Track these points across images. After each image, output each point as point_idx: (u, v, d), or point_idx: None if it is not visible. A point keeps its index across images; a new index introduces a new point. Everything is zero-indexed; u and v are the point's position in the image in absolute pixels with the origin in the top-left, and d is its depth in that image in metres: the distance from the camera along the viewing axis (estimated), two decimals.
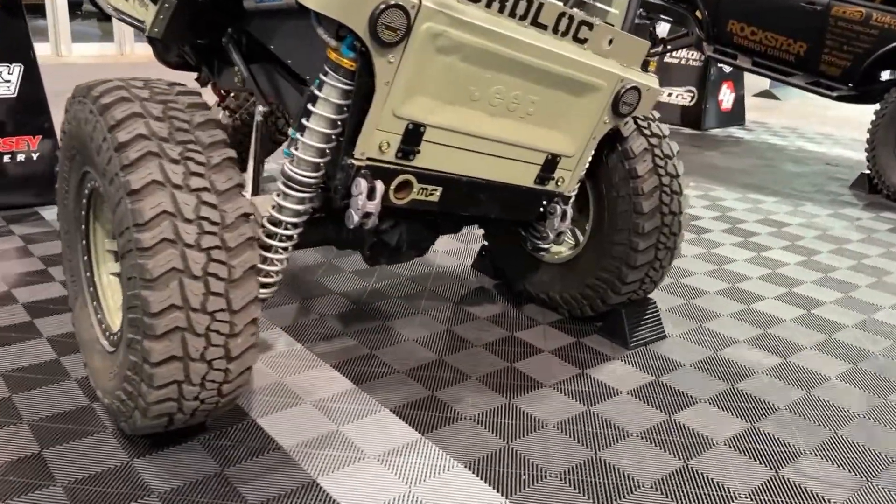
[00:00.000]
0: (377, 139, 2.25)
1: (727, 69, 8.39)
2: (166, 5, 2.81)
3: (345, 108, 2.22)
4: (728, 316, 3.60)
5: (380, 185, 2.29)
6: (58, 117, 3.34)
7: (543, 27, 2.44)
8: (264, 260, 2.42)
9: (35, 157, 4.50)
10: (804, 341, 3.38)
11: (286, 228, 2.39)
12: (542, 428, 2.57)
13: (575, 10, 2.51)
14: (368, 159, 2.27)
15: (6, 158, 4.41)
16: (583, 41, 2.55)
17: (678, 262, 4.25)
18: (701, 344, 3.29)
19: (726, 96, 8.69)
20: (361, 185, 2.26)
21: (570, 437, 2.53)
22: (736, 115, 8.88)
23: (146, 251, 1.91)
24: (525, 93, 2.48)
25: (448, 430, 2.53)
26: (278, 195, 2.35)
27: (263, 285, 2.45)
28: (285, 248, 2.44)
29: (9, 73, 4.37)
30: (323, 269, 3.80)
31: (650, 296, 3.35)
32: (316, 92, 2.23)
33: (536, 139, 2.62)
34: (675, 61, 8.65)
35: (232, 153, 2.11)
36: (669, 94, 8.61)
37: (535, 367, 2.98)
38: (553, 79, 2.50)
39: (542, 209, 2.85)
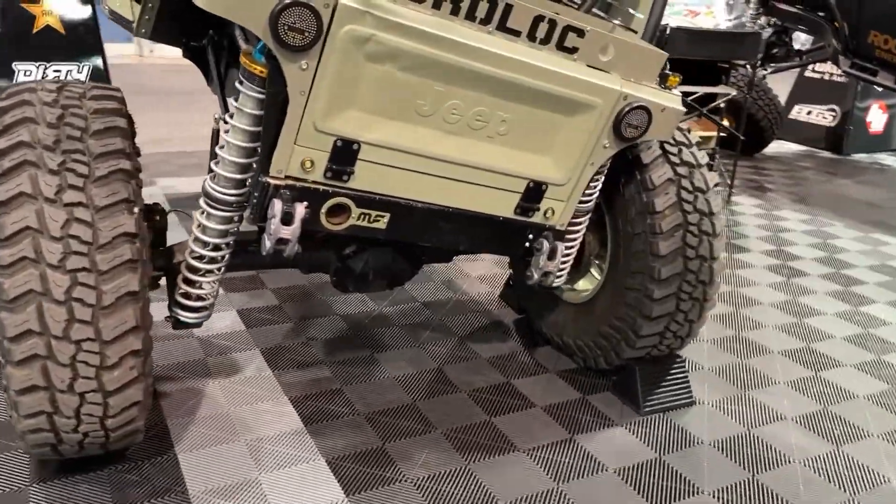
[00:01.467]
0: (298, 156, 1.97)
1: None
2: (150, 5, 2.67)
3: (261, 120, 1.96)
4: (784, 384, 2.99)
5: (300, 209, 2.00)
6: None
7: (515, 33, 2.05)
8: (192, 283, 2.22)
9: None
10: (873, 427, 2.73)
11: (212, 250, 2.17)
12: None
13: (559, 14, 2.09)
14: (288, 178, 1.99)
15: None
16: (571, 50, 2.14)
17: (748, 311, 3.64)
18: (735, 417, 2.73)
19: (876, 117, 7.62)
20: (276, 206, 1.98)
21: None
22: (887, 140, 7.77)
23: (5, 269, 1.74)
24: (491, 109, 2.11)
25: (378, 493, 2.19)
26: (201, 214, 2.12)
27: (191, 309, 2.26)
28: (212, 271, 2.22)
29: (78, 72, 4.49)
30: (320, 288, 3.55)
31: (682, 351, 2.83)
32: (232, 102, 1.98)
33: (512, 163, 2.23)
34: (818, 76, 7.70)
35: (126, 165, 1.90)
36: (809, 113, 7.69)
37: (517, 426, 2.57)
38: (528, 94, 2.10)
39: (527, 244, 2.45)
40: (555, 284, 2.71)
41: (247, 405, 2.58)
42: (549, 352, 3.09)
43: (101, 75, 4.51)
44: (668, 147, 2.61)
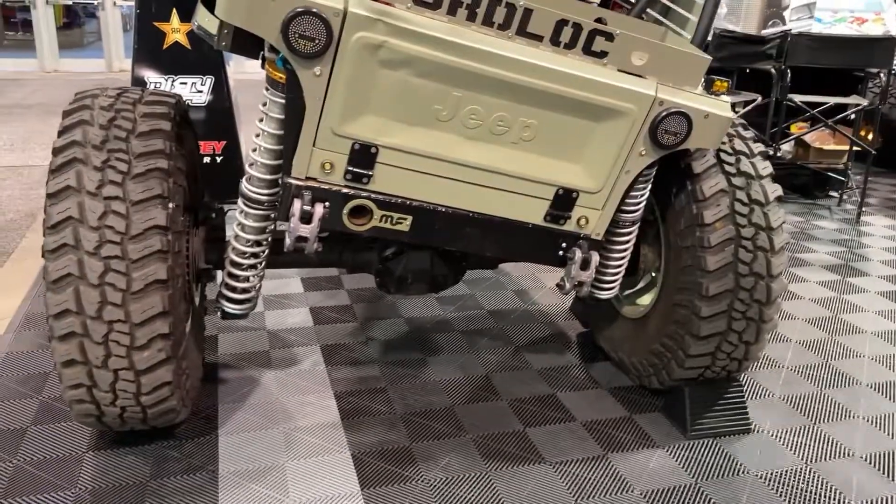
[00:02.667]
0: (318, 158, 2.06)
1: None
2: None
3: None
4: (864, 418, 2.72)
5: (319, 209, 2.09)
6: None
7: (537, 38, 2.04)
8: (235, 277, 2.37)
9: (219, 159, 4.98)
10: None
11: (252, 246, 2.31)
12: None
13: (584, 19, 2.05)
14: (309, 179, 2.09)
15: None
16: (600, 55, 2.09)
17: (846, 338, 3.33)
18: (794, 449, 2.52)
19: None
20: (296, 206, 2.08)
21: None
22: None
23: (50, 253, 1.96)
24: (513, 115, 2.10)
25: (392, 490, 2.23)
26: (240, 213, 2.27)
27: (236, 301, 2.41)
28: (253, 267, 2.36)
29: (202, 85, 4.89)
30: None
31: (754, 376, 2.65)
32: (261, 107, 2.11)
33: (538, 169, 2.20)
34: None
35: (163, 164, 2.07)
36: None
37: (550, 439, 2.52)
38: (552, 100, 2.08)
39: (561, 252, 2.39)
40: (603, 297, 2.64)
41: (293, 396, 2.71)
42: (606, 368, 3.00)
43: (221, 87, 4.89)
44: (724, 156, 2.46)
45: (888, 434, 2.63)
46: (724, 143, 2.50)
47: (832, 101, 5.01)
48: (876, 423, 2.70)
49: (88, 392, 2.09)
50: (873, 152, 5.12)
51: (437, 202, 2.20)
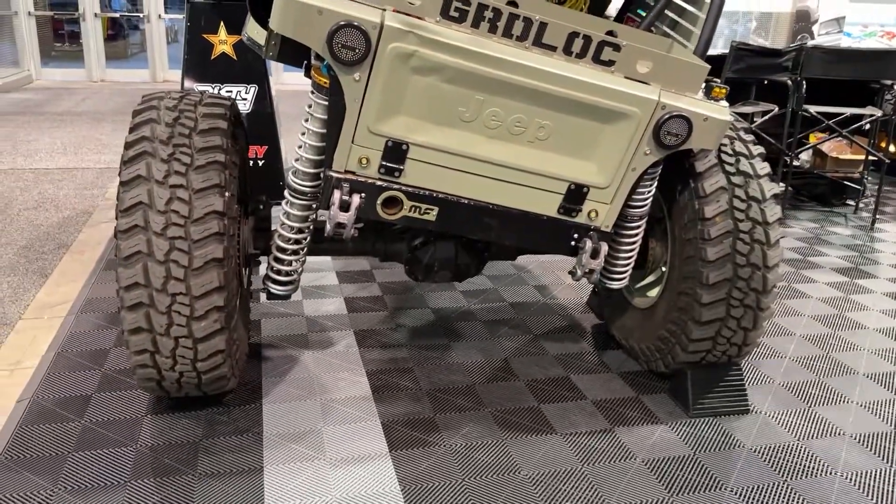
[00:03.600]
0: (356, 154, 2.33)
1: None
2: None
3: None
4: (858, 404, 2.91)
5: (356, 198, 2.36)
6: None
7: (551, 48, 2.29)
8: (280, 262, 2.66)
9: (261, 163, 5.30)
10: None
11: (296, 233, 2.59)
12: (511, 473, 2.40)
13: (594, 31, 2.30)
14: (348, 172, 2.36)
15: None
16: (608, 63, 2.34)
17: (848, 333, 3.51)
18: (789, 428, 2.72)
19: None
20: (336, 196, 2.35)
21: (532, 491, 2.32)
22: None
23: (122, 234, 2.26)
24: (529, 116, 2.35)
25: (417, 452, 2.49)
26: (286, 203, 2.55)
27: (280, 283, 2.69)
28: (296, 252, 2.64)
29: (246, 93, 5.23)
30: (421, 286, 3.90)
31: (760, 366, 2.86)
32: (307, 108, 2.39)
33: (552, 166, 2.45)
34: None
35: (221, 157, 2.36)
36: None
37: (562, 414, 2.75)
38: (564, 103, 2.33)
39: (573, 242, 2.63)
40: (615, 286, 2.88)
41: (329, 373, 2.98)
42: (618, 355, 3.23)
43: (264, 95, 5.21)
44: (724, 157, 2.69)
45: (879, 417, 2.82)
46: (725, 145, 2.73)
47: (848, 111, 5.18)
48: (868, 408, 2.89)
49: (152, 357, 2.38)
50: (887, 162, 5.27)
51: (461, 195, 2.45)
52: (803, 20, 12.93)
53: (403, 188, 2.41)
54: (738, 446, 2.60)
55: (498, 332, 3.42)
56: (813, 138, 5.76)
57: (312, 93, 2.35)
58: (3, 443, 2.46)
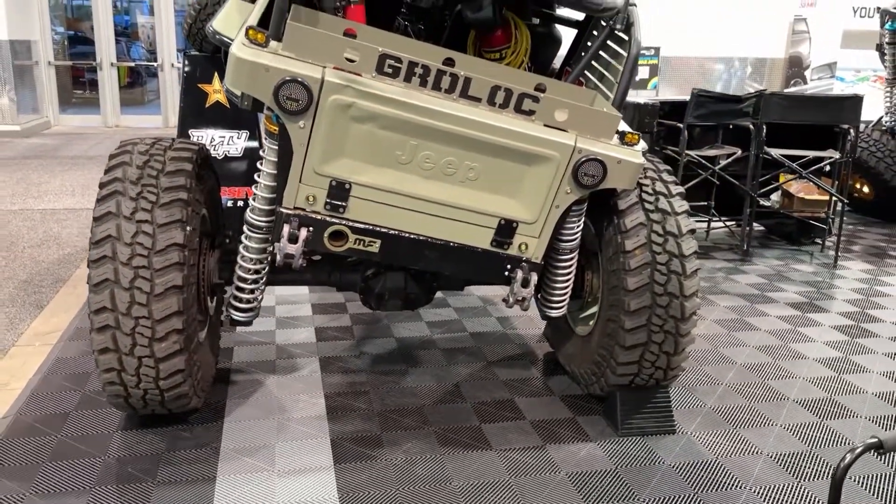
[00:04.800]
0: (303, 192, 2.61)
1: None
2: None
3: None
4: (782, 426, 3.10)
5: (303, 232, 2.63)
6: None
7: (476, 99, 2.57)
8: (241, 290, 2.92)
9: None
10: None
11: (254, 264, 2.86)
12: (443, 484, 2.61)
13: (514, 85, 2.58)
14: (297, 209, 2.63)
15: (229, 203, 5.59)
16: (529, 113, 2.61)
17: (788, 363, 3.71)
18: (710, 448, 2.91)
19: None
20: (285, 229, 2.62)
21: (459, 501, 2.53)
22: None
23: (93, 263, 2.54)
24: (459, 159, 2.62)
25: (358, 465, 2.71)
26: (244, 237, 2.83)
27: (241, 310, 2.95)
28: (255, 282, 2.91)
29: (237, 138, 5.56)
30: (393, 315, 4.15)
31: (694, 391, 3.07)
32: (261, 152, 2.68)
33: (483, 203, 2.71)
34: None
35: (184, 196, 2.65)
36: None
37: (500, 432, 2.97)
38: (488, 147, 2.60)
39: (506, 273, 2.88)
40: (553, 314, 3.12)
41: (290, 395, 3.22)
42: (563, 380, 3.45)
43: (253, 140, 5.54)
44: (645, 196, 2.94)
45: (799, 438, 3.00)
46: (646, 185, 2.98)
47: (809, 154, 5.42)
48: (792, 430, 3.07)
49: (118, 375, 2.64)
50: (845, 202, 5.48)
51: (401, 229, 2.72)
52: (796, 66, 13.26)
53: (347, 223, 2.68)
54: (658, 462, 2.80)
55: (455, 359, 3.65)
56: (782, 178, 5.99)
57: (265, 138, 2.64)
58: None
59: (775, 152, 5.32)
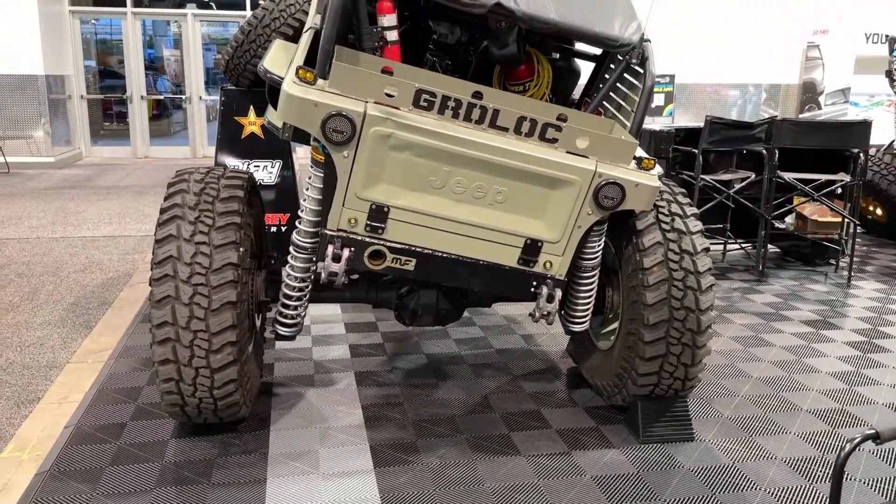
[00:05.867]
0: (346, 215, 2.84)
1: None
2: None
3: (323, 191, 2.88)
4: (796, 434, 3.26)
5: (346, 252, 2.86)
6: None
7: (504, 129, 2.81)
8: (286, 307, 3.15)
9: (284, 229, 5.88)
10: (859, 475, 2.93)
11: (299, 282, 3.09)
12: (476, 486, 2.80)
13: (539, 115, 2.81)
14: (340, 230, 2.87)
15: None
16: (552, 140, 2.84)
17: (801, 376, 3.87)
18: (727, 454, 3.08)
19: None
20: (329, 250, 2.86)
21: (491, 500, 2.72)
22: None
23: (155, 281, 2.78)
24: (488, 184, 2.85)
25: (397, 469, 2.91)
26: (290, 257, 3.06)
27: (286, 325, 3.18)
28: (300, 299, 3.14)
29: (272, 167, 5.85)
30: (422, 332, 4.36)
31: (711, 402, 3.25)
32: (307, 179, 2.93)
33: (509, 224, 2.93)
34: None
35: (237, 220, 2.90)
36: None
37: (528, 440, 3.16)
38: (515, 172, 2.83)
39: (532, 289, 3.09)
40: (576, 329, 3.33)
41: (329, 406, 3.43)
42: (586, 393, 3.63)
43: (286, 169, 5.83)
44: (661, 217, 3.15)
45: (812, 445, 3.17)
46: (662, 206, 3.20)
47: (821, 178, 5.60)
48: (805, 438, 3.24)
49: (176, 385, 2.87)
50: (857, 223, 5.65)
51: (435, 248, 2.94)
52: (810, 91, 13.46)
53: (386, 243, 2.91)
54: (678, 467, 2.97)
55: (482, 373, 3.85)
56: (796, 201, 6.17)
57: (312, 166, 2.89)
58: (52, 459, 2.94)
59: (788, 176, 5.51)
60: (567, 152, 2.86)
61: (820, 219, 6.03)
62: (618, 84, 3.35)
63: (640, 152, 3.05)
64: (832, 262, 6.20)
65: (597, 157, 2.87)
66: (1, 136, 11.51)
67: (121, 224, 7.57)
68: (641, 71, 3.12)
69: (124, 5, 13.01)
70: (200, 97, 13.40)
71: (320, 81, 2.68)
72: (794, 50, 13.65)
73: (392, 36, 3.14)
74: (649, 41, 3.15)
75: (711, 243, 6.31)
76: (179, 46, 13.79)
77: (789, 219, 6.36)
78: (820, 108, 13.22)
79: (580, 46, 3.76)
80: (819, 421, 3.39)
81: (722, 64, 13.43)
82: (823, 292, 5.49)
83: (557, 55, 3.82)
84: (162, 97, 15.06)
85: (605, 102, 3.44)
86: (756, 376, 3.89)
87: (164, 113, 15.59)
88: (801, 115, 13.38)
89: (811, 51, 13.27)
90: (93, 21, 14.35)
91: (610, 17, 3.15)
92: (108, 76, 14.41)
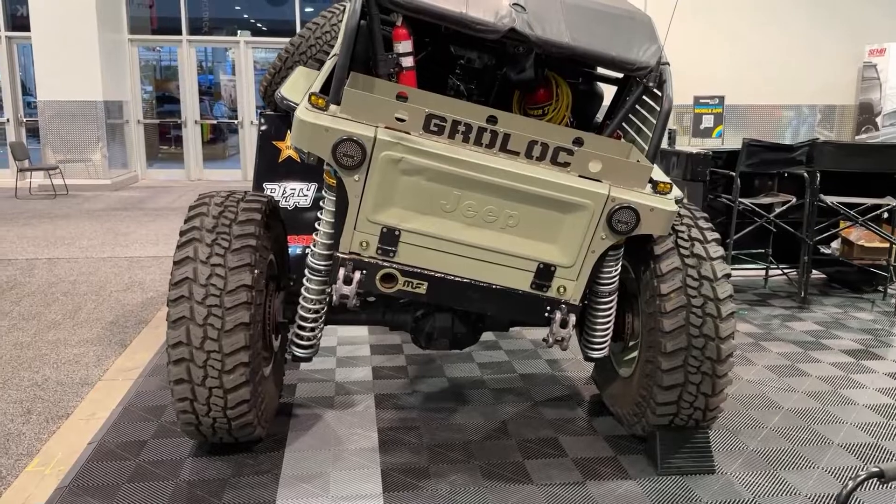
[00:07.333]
0: (357, 239, 2.86)
1: None
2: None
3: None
4: (823, 469, 3.12)
5: (357, 274, 2.88)
6: None
7: (515, 153, 2.80)
8: (302, 328, 3.18)
9: None
10: None
11: (314, 305, 3.12)
12: None
13: (550, 139, 2.79)
14: (351, 253, 2.89)
15: (298, 251, 5.94)
16: (564, 164, 2.82)
17: (838, 409, 3.71)
18: (748, 488, 2.97)
19: None
20: (340, 272, 2.88)
21: None
22: None
23: (172, 302, 2.84)
24: (500, 207, 2.84)
25: (405, 494, 2.89)
26: (305, 280, 3.10)
27: (302, 347, 3.21)
28: (314, 321, 3.16)
29: (307, 190, 5.94)
30: (445, 356, 4.34)
31: (737, 433, 3.15)
32: (321, 203, 2.96)
33: (522, 248, 2.90)
34: None
35: (252, 242, 2.95)
36: None
37: (542, 468, 3.10)
38: (526, 196, 2.81)
39: (546, 314, 3.04)
40: (595, 356, 3.27)
41: (346, 428, 3.44)
42: (608, 421, 3.56)
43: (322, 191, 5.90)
44: (680, 242, 3.09)
45: (840, 480, 3.03)
46: (681, 231, 3.13)
47: (866, 201, 5.41)
48: (833, 473, 3.10)
49: (191, 404, 2.91)
50: None
51: (446, 272, 2.93)
52: (867, 112, 13.05)
53: (396, 266, 2.92)
54: (696, 501, 2.87)
55: (503, 398, 3.81)
56: (842, 225, 5.97)
57: (325, 190, 2.92)
58: (72, 474, 3.02)
59: (831, 200, 5.34)
60: (580, 176, 2.83)
61: (867, 244, 5.81)
62: (637, 107, 3.31)
63: (658, 175, 3.00)
64: (880, 289, 5.97)
65: (610, 180, 2.83)
66: (61, 160, 12.00)
67: (166, 245, 7.78)
68: (660, 94, 3.07)
69: (180, 33, 13.47)
70: (252, 122, 13.73)
71: (332, 107, 2.72)
72: (850, 70, 13.28)
73: (407, 62, 3.17)
74: (668, 64, 3.10)
75: (752, 268, 6.20)
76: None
77: (835, 244, 6.15)
78: (877, 129, 12.80)
79: (600, 70, 3.74)
80: (850, 456, 3.25)
81: (775, 85, 13.15)
82: (868, 321, 5.27)
83: (580, 79, 3.80)
84: (216, 121, 15.51)
85: (624, 126, 3.41)
86: (787, 407, 3.75)
87: (220, 137, 16.04)
88: (857, 137, 12.99)
89: (867, 71, 12.89)
90: (158, 48, 14.92)
91: (627, 40, 3.13)
92: (166, 101, 14.91)
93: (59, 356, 4.51)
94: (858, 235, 5.90)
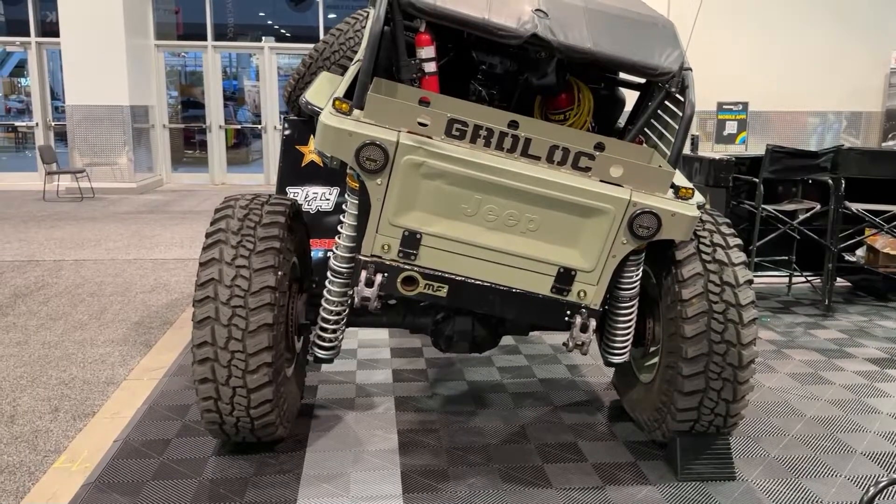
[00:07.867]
0: (379, 242, 2.89)
1: None
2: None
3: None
4: (845, 477, 3.09)
5: (379, 277, 2.91)
6: None
7: (536, 158, 2.81)
8: (324, 330, 3.22)
9: None
10: None
11: (336, 306, 3.16)
12: None
13: (571, 144, 2.81)
14: (373, 256, 2.92)
15: (320, 254, 6.00)
16: (585, 169, 2.83)
17: (860, 417, 3.68)
18: (770, 496, 2.95)
19: None
20: (362, 275, 2.91)
21: None
22: None
23: (197, 303, 2.89)
24: (520, 211, 2.86)
25: (424, 496, 2.91)
26: (328, 282, 3.13)
27: (324, 348, 3.24)
28: (336, 322, 3.20)
29: (329, 194, 5.99)
30: (465, 359, 4.36)
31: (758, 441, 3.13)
32: (344, 206, 3.00)
33: (542, 252, 2.92)
34: None
35: (276, 244, 2.99)
36: None
37: (561, 473, 3.11)
38: (547, 201, 2.82)
39: (566, 318, 3.05)
40: (615, 361, 3.27)
41: (366, 430, 3.47)
42: (628, 426, 3.55)
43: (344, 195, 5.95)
44: (702, 247, 3.08)
45: (862, 490, 3.00)
46: (703, 237, 3.12)
47: (892, 208, 5.35)
48: (856, 481, 3.07)
49: (215, 403, 2.96)
50: None
51: (466, 275, 2.96)
52: (893, 119, 12.90)
53: (417, 269, 2.94)
54: None
55: (522, 402, 3.82)
56: (867, 232, 5.90)
57: (347, 194, 2.96)
58: (98, 471, 3.07)
59: (855, 207, 5.29)
60: (601, 181, 2.84)
61: (892, 252, 5.75)
62: (660, 113, 3.31)
63: (680, 180, 3.00)
64: None
65: (632, 185, 2.84)
66: (88, 163, 12.19)
67: (191, 248, 7.88)
68: (682, 99, 3.08)
69: (206, 39, 13.64)
70: (275, 127, 13.86)
71: (356, 112, 2.75)
72: (877, 76, 13.13)
73: (430, 67, 3.20)
74: (690, 70, 3.11)
75: (775, 275, 6.15)
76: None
77: (860, 251, 6.09)
78: None
79: (623, 75, 3.74)
80: (873, 464, 3.22)
81: (800, 91, 13.03)
82: (894, 329, 5.21)
83: (602, 84, 3.81)
84: (240, 126, 15.67)
85: (647, 131, 3.41)
86: (810, 415, 3.73)
87: (244, 142, 16.21)
88: (883, 144, 12.82)
89: (894, 77, 12.74)
90: (183, 54, 15.13)
91: (650, 46, 3.13)
92: (191, 106, 15.11)
93: (85, 356, 4.59)
94: (884, 243, 5.84)
